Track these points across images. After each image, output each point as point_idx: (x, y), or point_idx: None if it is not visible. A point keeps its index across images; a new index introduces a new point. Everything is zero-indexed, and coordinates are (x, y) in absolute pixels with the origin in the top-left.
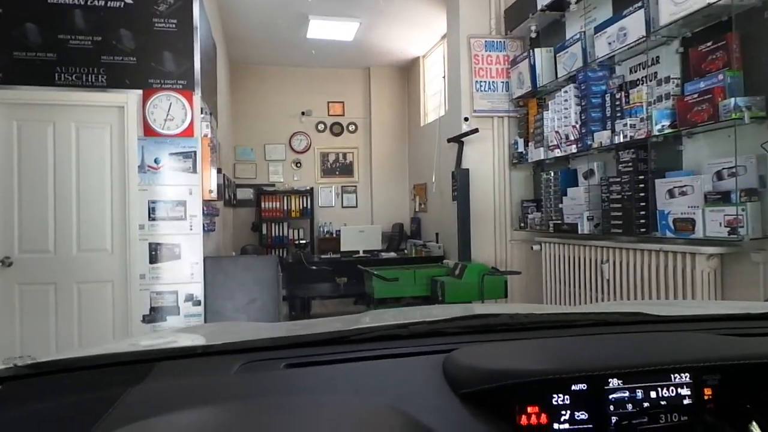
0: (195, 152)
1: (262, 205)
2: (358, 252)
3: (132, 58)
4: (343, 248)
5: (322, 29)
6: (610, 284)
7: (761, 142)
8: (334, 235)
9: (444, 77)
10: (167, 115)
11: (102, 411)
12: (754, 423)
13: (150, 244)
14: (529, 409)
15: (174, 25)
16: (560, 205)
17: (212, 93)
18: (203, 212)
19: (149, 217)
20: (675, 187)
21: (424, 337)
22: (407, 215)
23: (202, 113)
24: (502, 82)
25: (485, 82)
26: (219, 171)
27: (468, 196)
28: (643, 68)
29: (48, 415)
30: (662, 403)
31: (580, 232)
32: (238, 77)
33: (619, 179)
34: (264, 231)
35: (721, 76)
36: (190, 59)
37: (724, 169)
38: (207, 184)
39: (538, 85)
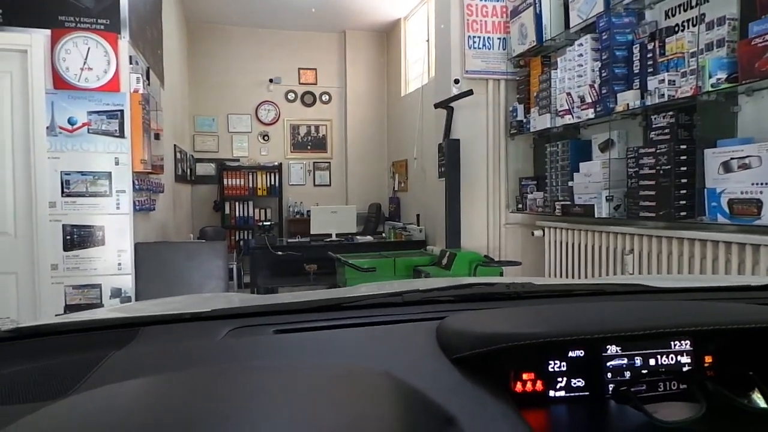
0: (122, 111)
1: (225, 182)
2: (330, 235)
3: None
4: (313, 231)
5: None
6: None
7: None
8: (305, 216)
9: (428, 41)
10: (84, 63)
11: (84, 373)
12: (756, 390)
13: (64, 226)
14: (525, 376)
15: None
16: (570, 183)
17: (153, 45)
18: (135, 187)
19: (62, 192)
20: (733, 159)
21: (419, 305)
22: (385, 195)
23: (132, 64)
24: (499, 39)
25: (479, 37)
26: (157, 137)
27: (458, 172)
28: (685, 9)
29: (29, 377)
30: (661, 370)
31: (596, 215)
32: (196, 38)
33: (652, 150)
34: (227, 211)
35: None
36: None
37: None
38: (139, 152)
39: (544, 39)
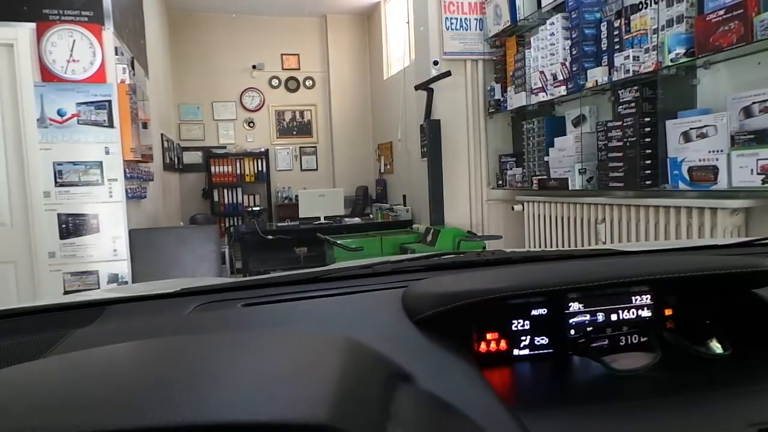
0: (109, 102)
1: (213, 170)
2: (318, 218)
3: None
4: (302, 215)
5: None
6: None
7: None
8: (294, 201)
9: (408, 22)
10: (70, 55)
11: (44, 350)
12: (714, 339)
13: (60, 215)
14: (488, 336)
15: None
16: (546, 158)
17: (136, 34)
18: (126, 175)
19: (56, 182)
20: (692, 129)
21: (389, 275)
22: (372, 177)
23: (117, 54)
24: (476, 20)
25: (456, 19)
26: (145, 126)
27: (440, 152)
28: None
29: None
30: (624, 327)
31: (570, 188)
32: (178, 26)
33: (619, 123)
34: (216, 198)
35: None
36: None
37: (755, 103)
38: (128, 141)
39: (518, 19)
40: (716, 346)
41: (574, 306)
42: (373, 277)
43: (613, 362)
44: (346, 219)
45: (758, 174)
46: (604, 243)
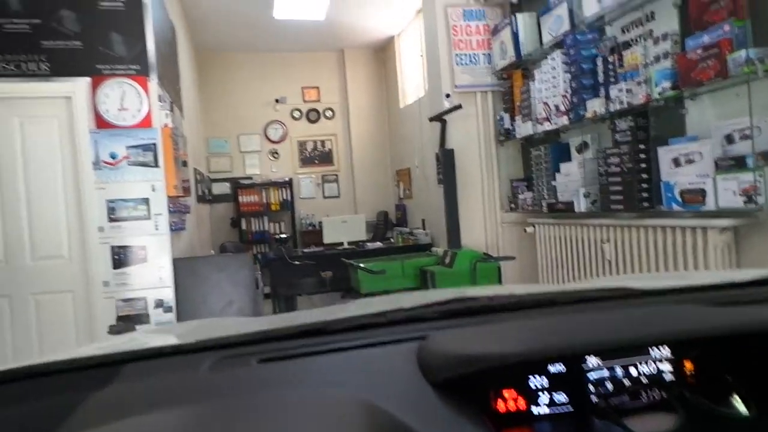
0: (155, 144)
1: (240, 200)
2: (342, 244)
3: (77, 42)
4: (326, 240)
5: (290, 8)
6: (612, 265)
7: None
8: (317, 228)
9: (422, 55)
10: (121, 104)
11: (60, 419)
12: (735, 395)
13: (112, 247)
14: (506, 394)
15: (122, 4)
16: (553, 183)
17: (173, 81)
18: (170, 210)
19: (109, 218)
20: (680, 155)
21: (403, 324)
22: (392, 202)
23: (160, 101)
24: (484, 54)
25: (466, 54)
26: (185, 164)
27: (454, 178)
28: (637, 26)
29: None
30: (643, 380)
31: (576, 210)
32: (205, 65)
33: (617, 150)
34: (244, 226)
35: (727, 27)
36: (142, 41)
37: (734, 131)
38: (171, 179)
39: (522, 54)
40: (740, 407)
41: (592, 361)
42: (387, 326)
43: (635, 425)
44: (368, 244)
45: (740, 195)
46: (609, 261)
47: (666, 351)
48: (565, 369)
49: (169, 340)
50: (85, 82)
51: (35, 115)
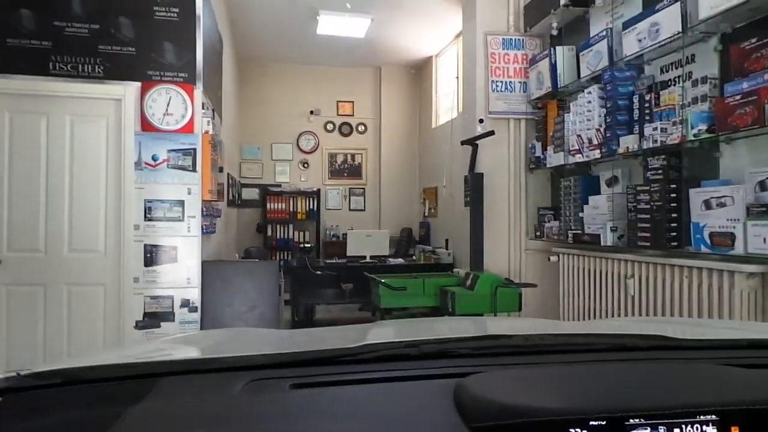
0: (195, 150)
1: (268, 206)
2: (364, 257)
3: (131, 48)
4: (349, 253)
5: (332, 25)
6: (635, 301)
7: None
8: (341, 239)
9: (457, 78)
10: (166, 109)
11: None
12: None
13: (145, 245)
14: None
15: (176, 14)
16: (581, 214)
17: (216, 88)
18: (203, 213)
19: (145, 217)
20: (712, 198)
21: (435, 358)
22: (416, 219)
23: (203, 109)
24: (520, 83)
25: (502, 81)
26: (221, 170)
27: (481, 202)
28: (676, 68)
29: None
30: None
31: (602, 243)
32: (245, 74)
33: (647, 188)
34: (269, 233)
35: (767, 76)
36: (192, 51)
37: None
38: (207, 183)
39: (558, 86)
40: None
41: (636, 420)
42: (418, 359)
43: None
44: (390, 259)
45: None
46: (633, 297)
47: (712, 416)
48: (606, 424)
49: (201, 352)
50: (135, 86)
51: (86, 114)
